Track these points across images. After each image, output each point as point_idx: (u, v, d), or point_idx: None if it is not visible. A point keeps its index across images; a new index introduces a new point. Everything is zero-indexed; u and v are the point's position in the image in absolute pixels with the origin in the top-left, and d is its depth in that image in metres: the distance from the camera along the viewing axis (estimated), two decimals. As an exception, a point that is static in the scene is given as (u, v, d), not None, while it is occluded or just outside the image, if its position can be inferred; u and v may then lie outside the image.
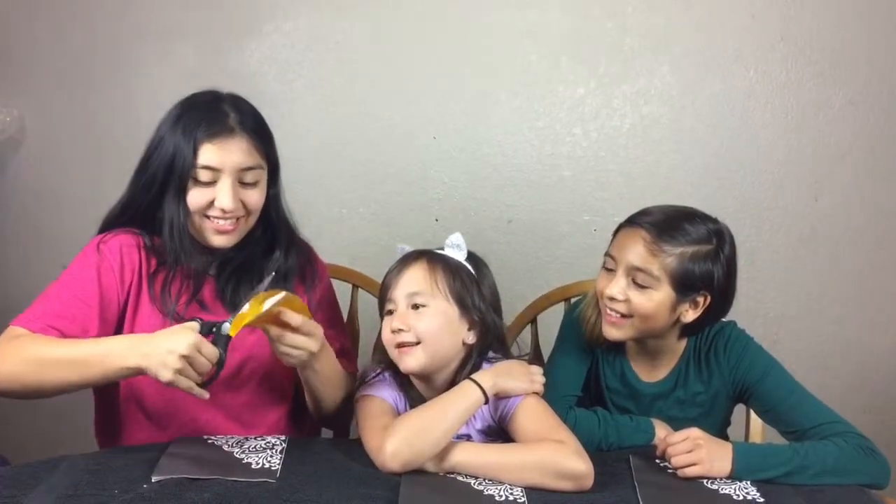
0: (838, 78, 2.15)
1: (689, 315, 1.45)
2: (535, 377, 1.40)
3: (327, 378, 1.46)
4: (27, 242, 2.36)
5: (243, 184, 1.43)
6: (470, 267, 1.44)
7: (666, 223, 1.42)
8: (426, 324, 1.38)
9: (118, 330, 1.43)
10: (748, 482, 1.32)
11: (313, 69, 2.22)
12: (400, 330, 1.38)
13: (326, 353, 1.43)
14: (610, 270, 1.46)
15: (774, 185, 2.20)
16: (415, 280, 1.40)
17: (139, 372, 1.24)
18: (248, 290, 1.44)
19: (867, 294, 2.25)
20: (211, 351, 1.23)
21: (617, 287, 1.43)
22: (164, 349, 1.21)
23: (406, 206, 2.26)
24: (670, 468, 1.35)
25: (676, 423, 1.48)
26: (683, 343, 1.53)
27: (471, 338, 1.42)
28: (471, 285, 1.42)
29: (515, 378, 1.38)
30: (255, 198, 1.45)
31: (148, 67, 2.24)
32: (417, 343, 1.38)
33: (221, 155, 1.39)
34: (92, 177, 2.30)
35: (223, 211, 1.41)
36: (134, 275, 1.44)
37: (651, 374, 1.55)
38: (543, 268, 2.22)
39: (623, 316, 1.44)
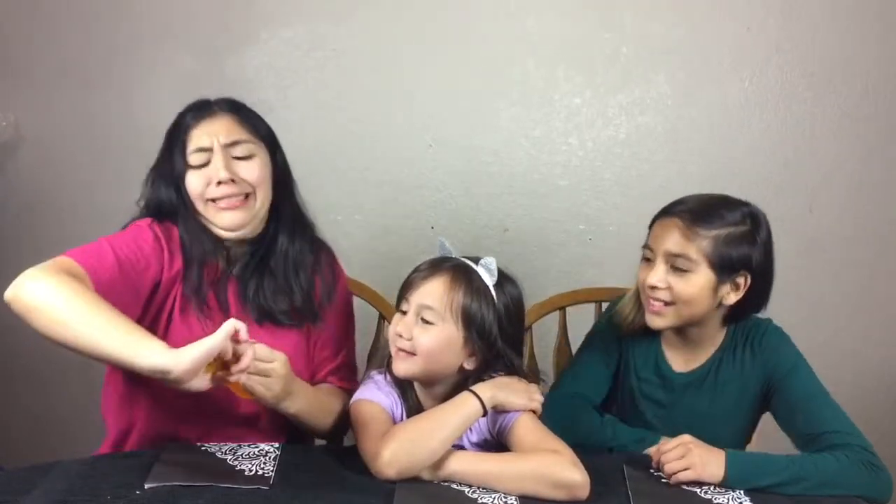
0: (833, 89, 2.16)
1: (731, 297, 1.47)
2: (533, 395, 1.39)
3: (308, 413, 1.43)
4: (24, 247, 2.34)
5: (236, 158, 1.45)
6: (494, 294, 1.40)
7: (699, 209, 1.45)
8: (426, 341, 1.36)
9: (150, 306, 1.41)
10: (741, 492, 1.32)
11: (311, 76, 2.23)
12: (401, 336, 1.38)
13: (299, 388, 1.40)
14: (649, 261, 1.49)
15: (769, 196, 2.20)
16: (431, 294, 1.37)
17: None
18: (270, 286, 1.47)
19: (863, 304, 2.26)
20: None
21: (657, 275, 1.45)
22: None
23: (402, 213, 2.26)
24: (664, 478, 1.35)
25: (700, 423, 1.48)
26: (723, 333, 1.55)
27: (469, 364, 1.40)
28: (488, 314, 1.38)
29: (514, 393, 1.37)
30: (252, 170, 1.46)
31: (145, 73, 2.24)
32: (413, 354, 1.37)
33: (206, 133, 1.45)
34: (89, 182, 2.30)
35: (220, 183, 1.42)
36: (177, 268, 1.44)
37: (686, 363, 1.56)
38: (539, 276, 2.23)
39: (666, 304, 1.46)
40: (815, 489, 1.33)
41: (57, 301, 1.20)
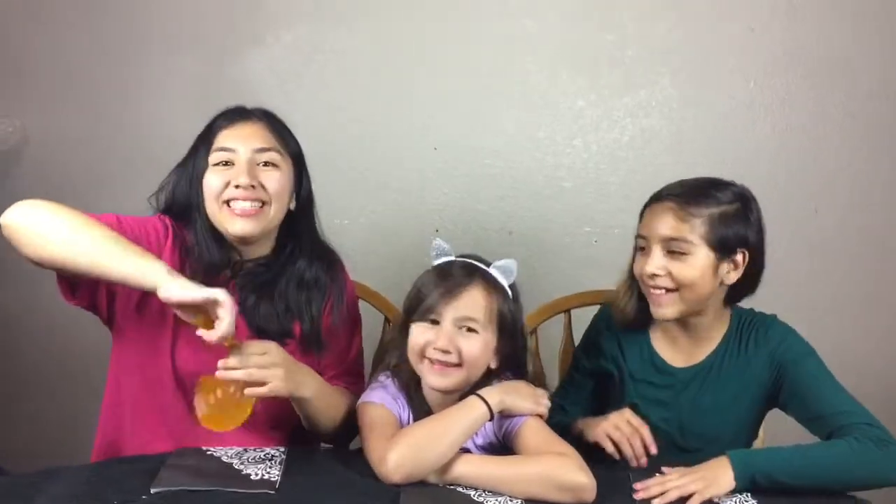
0: (838, 90, 2.16)
1: (732, 276, 1.46)
2: (540, 399, 1.40)
3: (322, 397, 1.44)
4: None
5: (260, 166, 1.44)
6: (511, 294, 1.43)
7: (690, 191, 1.46)
8: (472, 349, 1.37)
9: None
10: (748, 495, 1.31)
11: (314, 79, 2.23)
12: (446, 351, 1.36)
13: (304, 370, 1.41)
14: (643, 250, 1.48)
15: (775, 197, 2.19)
16: (473, 306, 1.37)
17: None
18: (267, 304, 1.45)
19: (869, 305, 2.25)
20: None
21: (655, 262, 1.44)
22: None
23: (406, 216, 2.26)
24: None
25: (705, 419, 1.49)
26: (724, 325, 1.53)
27: (494, 363, 1.42)
28: (515, 315, 1.42)
29: (522, 397, 1.37)
30: (273, 181, 1.44)
31: (150, 77, 2.25)
32: (459, 365, 1.37)
33: (236, 136, 1.45)
34: (95, 187, 2.30)
35: (238, 188, 1.41)
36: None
37: (688, 358, 1.54)
38: (543, 279, 2.22)
39: (668, 291, 1.45)
40: (830, 478, 1.31)
41: (59, 215, 1.28)
